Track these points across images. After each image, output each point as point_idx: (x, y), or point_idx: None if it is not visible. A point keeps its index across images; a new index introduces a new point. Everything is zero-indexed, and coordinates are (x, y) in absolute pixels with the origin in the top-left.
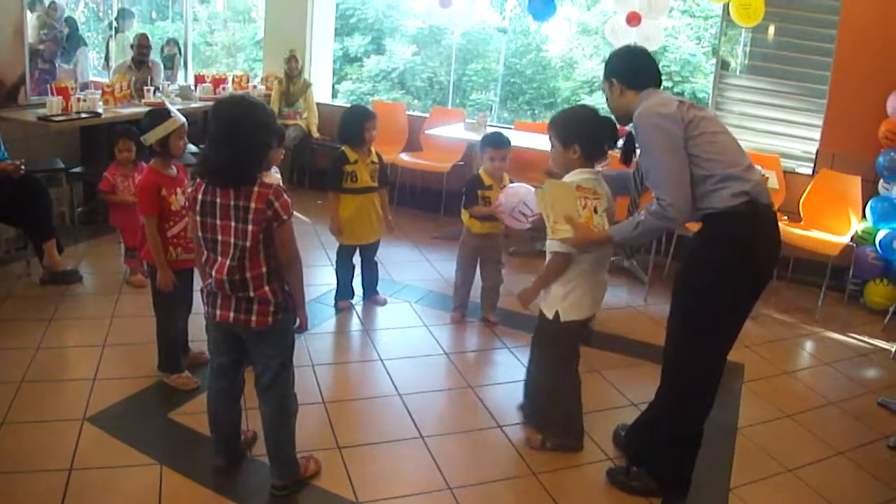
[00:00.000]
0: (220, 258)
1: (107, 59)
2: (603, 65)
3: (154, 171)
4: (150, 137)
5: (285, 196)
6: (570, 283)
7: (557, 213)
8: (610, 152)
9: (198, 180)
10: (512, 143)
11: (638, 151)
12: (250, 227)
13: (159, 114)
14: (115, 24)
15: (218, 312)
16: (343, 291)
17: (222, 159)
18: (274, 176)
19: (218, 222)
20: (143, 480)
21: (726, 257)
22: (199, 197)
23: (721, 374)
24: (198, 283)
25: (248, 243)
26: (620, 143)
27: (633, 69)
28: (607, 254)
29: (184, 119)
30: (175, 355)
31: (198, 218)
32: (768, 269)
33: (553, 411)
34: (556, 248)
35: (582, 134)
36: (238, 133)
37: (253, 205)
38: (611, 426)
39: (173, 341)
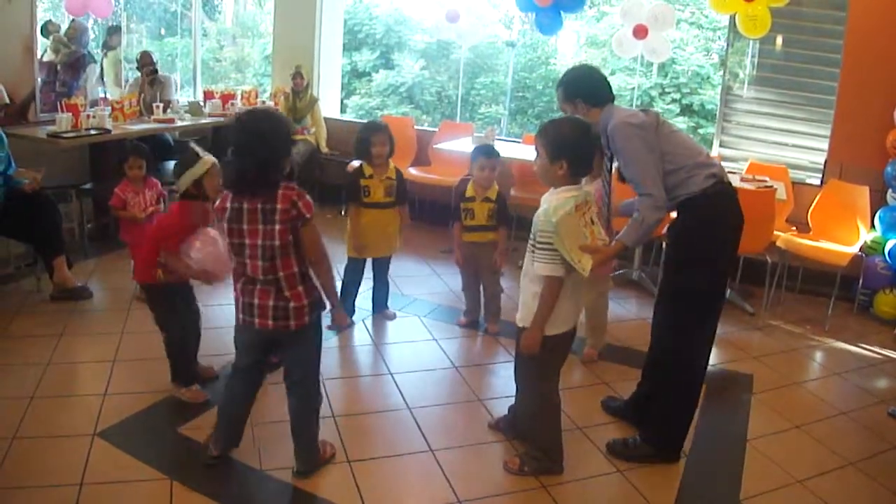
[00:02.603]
0: (248, 261)
1: (102, 76)
2: (564, 86)
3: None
4: (184, 183)
5: (307, 197)
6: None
7: (573, 248)
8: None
9: (224, 192)
10: (515, 157)
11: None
12: (277, 227)
13: (187, 157)
14: (105, 40)
15: (257, 321)
16: (344, 307)
17: (247, 169)
18: (209, 159)
19: (245, 227)
20: (154, 495)
21: (711, 231)
22: (228, 206)
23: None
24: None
25: (276, 242)
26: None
27: (594, 89)
28: None
29: (214, 159)
30: (187, 366)
31: (225, 225)
32: (739, 234)
33: (532, 432)
34: (548, 272)
35: (571, 150)
36: (262, 144)
37: (279, 206)
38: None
39: (181, 352)
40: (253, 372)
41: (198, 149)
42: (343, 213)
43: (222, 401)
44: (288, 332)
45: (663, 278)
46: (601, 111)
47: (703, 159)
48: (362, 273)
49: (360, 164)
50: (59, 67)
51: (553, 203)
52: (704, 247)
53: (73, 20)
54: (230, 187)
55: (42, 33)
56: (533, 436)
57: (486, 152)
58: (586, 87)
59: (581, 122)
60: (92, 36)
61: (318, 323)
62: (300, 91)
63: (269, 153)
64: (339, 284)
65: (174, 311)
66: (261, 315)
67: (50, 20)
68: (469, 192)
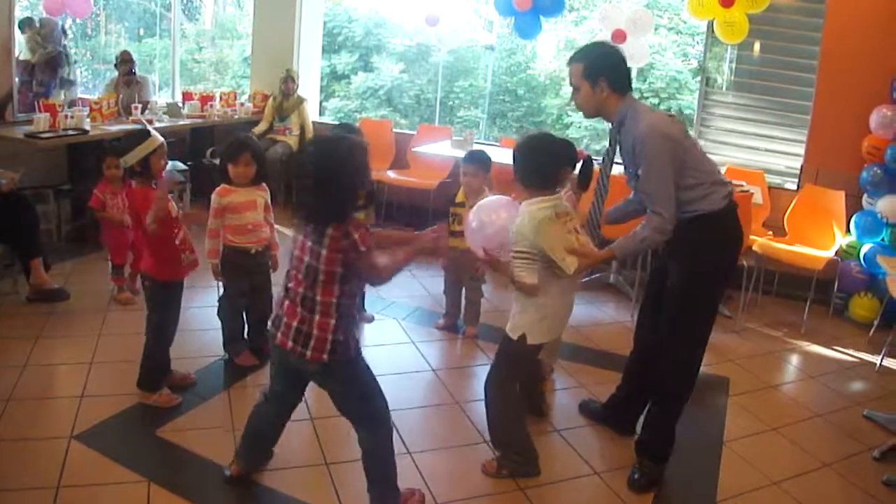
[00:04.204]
0: (294, 272)
1: None
2: (585, 61)
3: (137, 189)
4: (130, 158)
5: (365, 229)
6: (546, 308)
7: (557, 247)
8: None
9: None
10: (493, 161)
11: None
12: (324, 252)
13: (138, 135)
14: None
15: (279, 335)
16: None
17: (323, 200)
18: (157, 138)
19: (300, 237)
20: (132, 497)
21: (725, 247)
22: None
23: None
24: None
25: (321, 266)
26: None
27: (620, 72)
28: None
29: (162, 139)
30: (157, 374)
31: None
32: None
33: (508, 436)
34: (524, 279)
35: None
36: (341, 175)
37: (330, 231)
38: (597, 441)
39: (159, 360)
40: (280, 402)
41: (149, 128)
42: None
43: (250, 419)
44: (305, 363)
45: (669, 290)
46: (621, 100)
47: (719, 177)
48: None
49: None
50: (35, 67)
51: (530, 210)
52: (718, 260)
53: (41, 17)
54: (303, 219)
55: (19, 27)
56: (510, 437)
57: (468, 158)
58: (612, 67)
59: (547, 134)
60: (70, 36)
61: (350, 372)
62: (290, 94)
63: (347, 185)
64: None
65: (171, 311)
66: (284, 332)
67: (29, 17)
68: (459, 198)
